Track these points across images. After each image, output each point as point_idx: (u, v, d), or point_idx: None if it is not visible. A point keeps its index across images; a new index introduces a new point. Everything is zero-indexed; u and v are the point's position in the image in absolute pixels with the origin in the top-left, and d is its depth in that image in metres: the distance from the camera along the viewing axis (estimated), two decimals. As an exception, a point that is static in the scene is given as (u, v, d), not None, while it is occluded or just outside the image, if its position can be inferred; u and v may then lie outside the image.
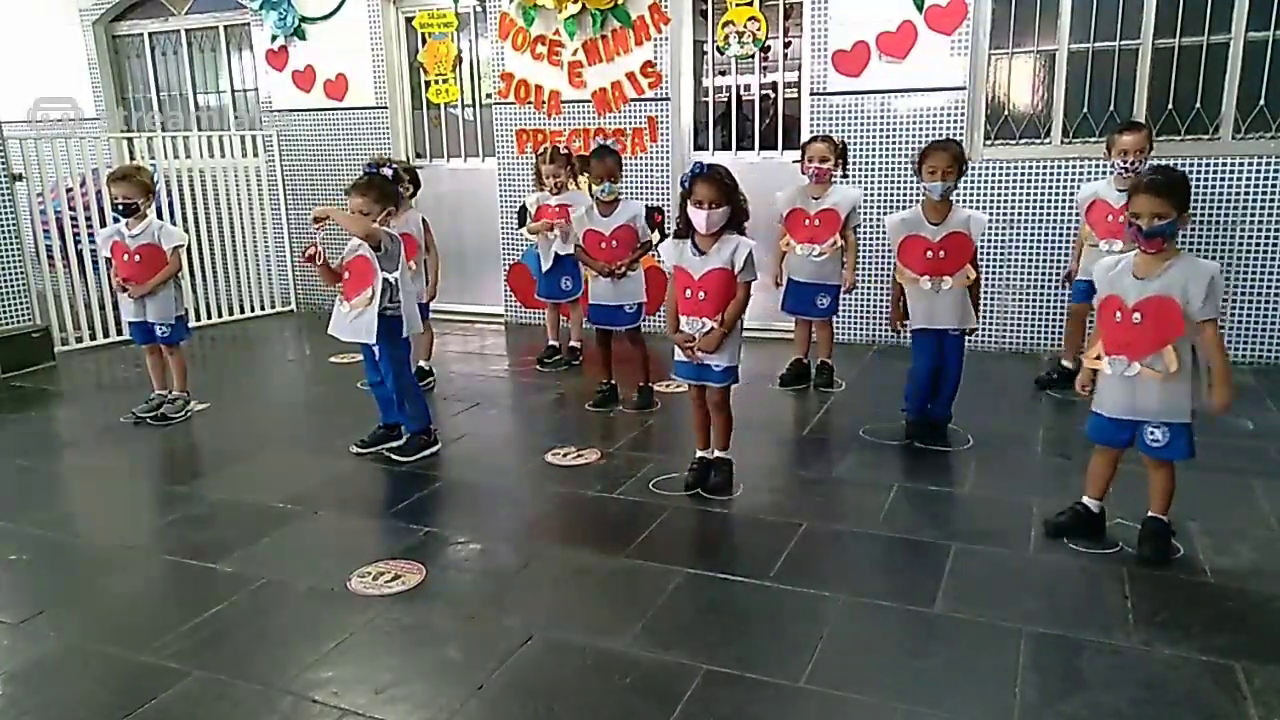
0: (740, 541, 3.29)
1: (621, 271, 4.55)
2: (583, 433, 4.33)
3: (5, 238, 5.82)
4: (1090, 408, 3.02)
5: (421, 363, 5.09)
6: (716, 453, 3.61)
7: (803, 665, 2.38)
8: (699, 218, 3.32)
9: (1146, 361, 2.79)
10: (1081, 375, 3.06)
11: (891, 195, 5.65)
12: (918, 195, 4.15)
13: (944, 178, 3.79)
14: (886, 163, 5.66)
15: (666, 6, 5.99)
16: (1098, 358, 2.92)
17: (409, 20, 6.98)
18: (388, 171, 4.03)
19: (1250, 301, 5.12)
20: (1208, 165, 5.09)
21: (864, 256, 5.74)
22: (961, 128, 5.47)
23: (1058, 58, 5.37)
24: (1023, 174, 5.44)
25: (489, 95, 6.83)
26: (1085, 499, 3.09)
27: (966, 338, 4.02)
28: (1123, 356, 2.83)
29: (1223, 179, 5.07)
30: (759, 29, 5.90)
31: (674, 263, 3.48)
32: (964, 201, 5.46)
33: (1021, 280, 5.55)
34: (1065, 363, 4.80)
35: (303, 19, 7.19)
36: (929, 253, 3.87)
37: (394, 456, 3.97)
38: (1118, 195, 4.43)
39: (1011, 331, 5.63)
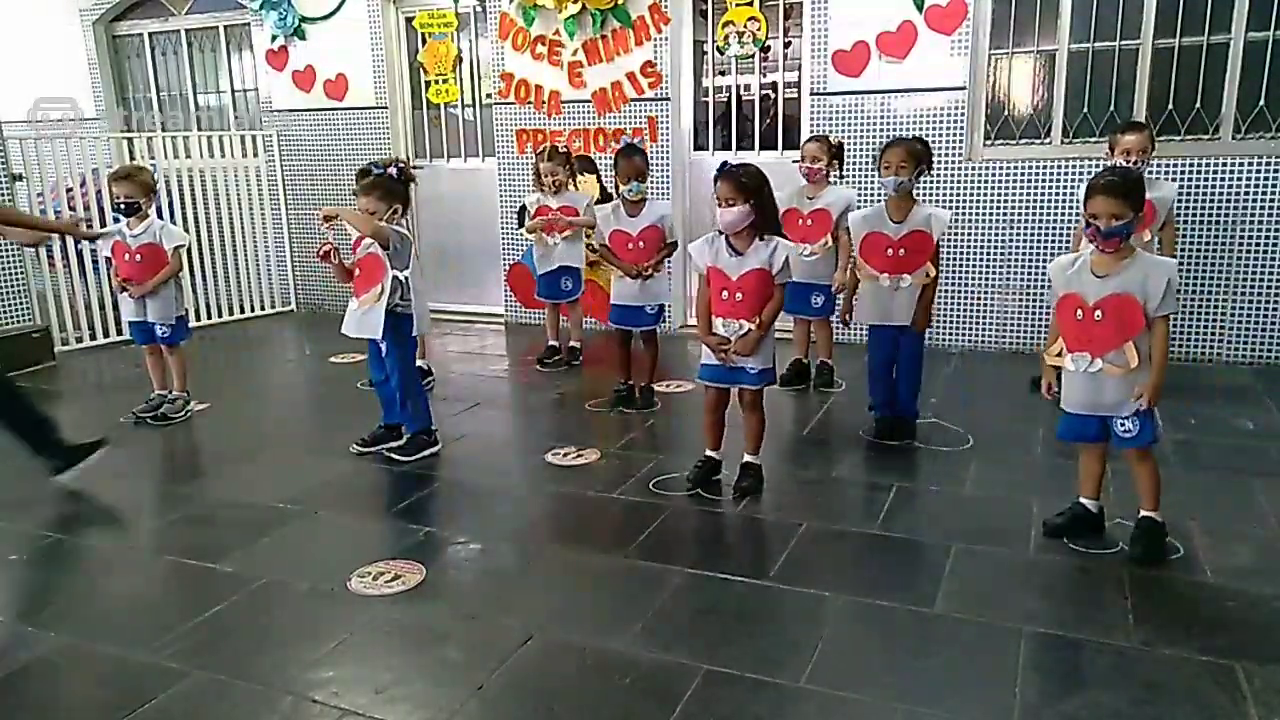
0: (740, 541, 3.30)
1: (649, 273, 4.53)
2: (583, 433, 4.33)
3: (5, 238, 5.82)
4: (1060, 407, 3.03)
5: (420, 362, 5.09)
6: (747, 456, 3.58)
7: (803, 665, 2.38)
8: (719, 215, 3.33)
9: (1109, 358, 2.83)
10: (1045, 375, 3.10)
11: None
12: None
13: (897, 172, 3.82)
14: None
15: (666, 6, 5.99)
16: (1059, 355, 2.96)
17: (409, 20, 6.99)
18: (393, 170, 4.02)
19: (1250, 301, 5.12)
20: (1208, 165, 5.09)
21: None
22: (961, 128, 5.47)
23: (1058, 58, 5.37)
24: (1023, 174, 5.44)
25: (489, 95, 6.83)
26: (1081, 499, 3.10)
27: (924, 335, 4.04)
28: (1085, 353, 2.86)
29: (1223, 179, 5.07)
30: (759, 29, 5.91)
31: (708, 263, 3.45)
32: (965, 201, 5.49)
33: (1021, 280, 5.55)
34: None
35: (303, 19, 7.19)
36: (889, 250, 3.91)
37: (394, 456, 3.97)
38: None
39: (1011, 331, 5.63)
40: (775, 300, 3.37)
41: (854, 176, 5.43)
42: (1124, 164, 4.37)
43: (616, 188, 4.66)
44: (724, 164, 3.36)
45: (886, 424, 4.10)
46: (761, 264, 3.33)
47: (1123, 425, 2.88)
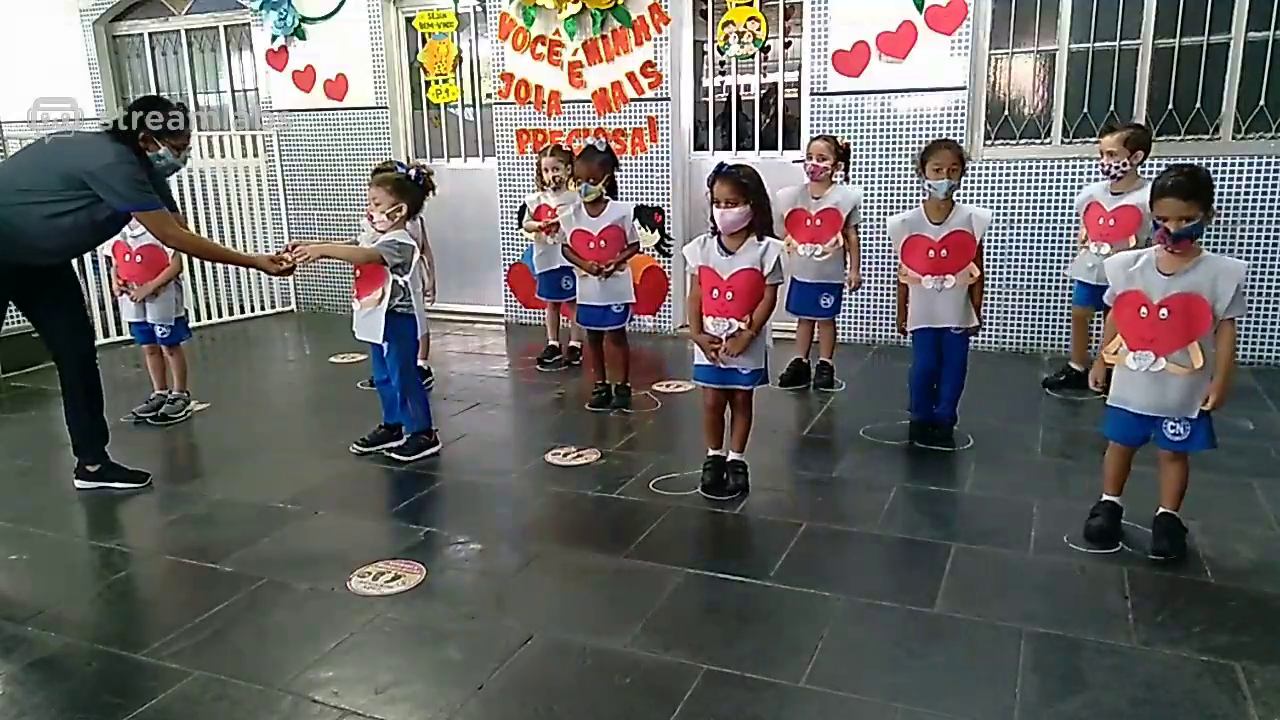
0: (740, 541, 3.30)
1: (610, 270, 4.54)
2: (583, 433, 4.33)
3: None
4: (1107, 404, 2.99)
5: (420, 362, 5.09)
6: (732, 455, 3.59)
7: (803, 665, 2.38)
8: (718, 217, 3.34)
9: (1173, 358, 2.78)
10: (1095, 370, 3.03)
11: (892, 195, 5.65)
12: (919, 195, 4.14)
13: (949, 175, 3.77)
14: (887, 163, 5.66)
15: (666, 6, 5.99)
16: (1115, 353, 2.90)
17: (409, 20, 6.99)
18: (411, 172, 3.99)
19: (1250, 301, 5.12)
20: (1208, 165, 5.05)
21: (865, 257, 5.74)
22: (961, 128, 5.47)
23: (1058, 58, 5.37)
24: (1023, 174, 5.44)
25: (489, 95, 6.83)
26: (1107, 497, 3.07)
27: (970, 337, 3.99)
28: (1149, 352, 2.81)
29: (1223, 179, 5.07)
30: (759, 29, 5.91)
31: (699, 263, 3.46)
32: (965, 202, 5.47)
33: (1021, 280, 5.55)
34: (1074, 365, 4.78)
35: (303, 19, 7.19)
36: (931, 252, 3.85)
37: (395, 456, 3.97)
38: (1111, 198, 4.44)
39: (1012, 331, 5.63)
40: (766, 300, 3.37)
41: (856, 177, 5.43)
42: (1106, 165, 4.38)
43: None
44: (721, 165, 3.38)
45: (920, 428, 4.05)
46: (752, 264, 3.34)
47: (1173, 428, 2.84)
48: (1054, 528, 3.12)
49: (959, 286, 3.85)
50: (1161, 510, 2.96)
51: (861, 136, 5.66)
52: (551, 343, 5.67)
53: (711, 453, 3.63)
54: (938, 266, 3.85)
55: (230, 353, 6.50)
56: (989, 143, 5.57)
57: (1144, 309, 2.82)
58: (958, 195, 3.89)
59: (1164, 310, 2.78)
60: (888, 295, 5.75)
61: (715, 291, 3.40)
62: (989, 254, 5.54)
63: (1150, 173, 4.80)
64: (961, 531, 3.16)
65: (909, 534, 3.18)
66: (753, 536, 3.29)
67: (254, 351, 6.67)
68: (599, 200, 4.56)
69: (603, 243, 4.55)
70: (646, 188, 6.27)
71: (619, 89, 6.24)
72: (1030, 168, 5.42)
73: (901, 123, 5.58)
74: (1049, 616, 2.61)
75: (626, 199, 4.97)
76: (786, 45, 6.05)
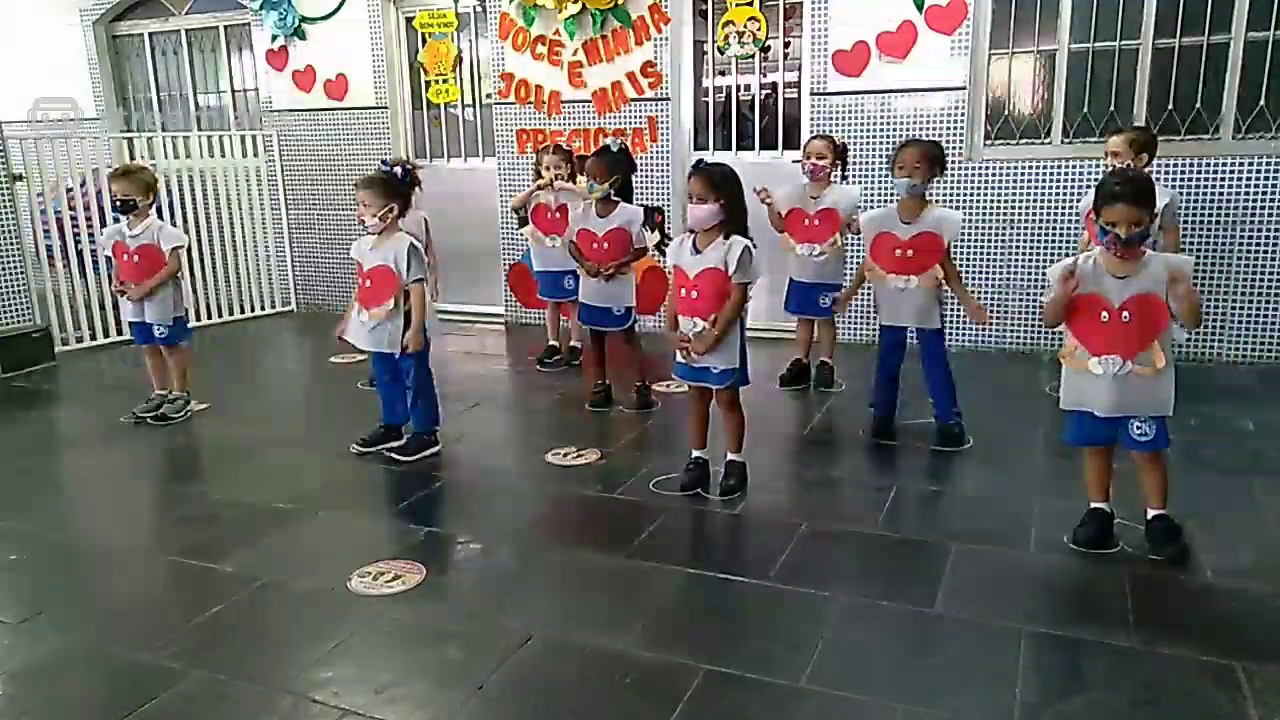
0: (740, 541, 3.30)
1: (609, 273, 4.53)
2: (583, 433, 4.33)
3: (5, 238, 5.82)
4: (1062, 409, 2.99)
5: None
6: (729, 455, 3.59)
7: (803, 665, 2.38)
8: (689, 212, 3.37)
9: (1139, 359, 2.79)
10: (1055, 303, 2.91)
11: (892, 195, 5.63)
12: (930, 197, 4.13)
13: (911, 174, 3.79)
14: (886, 163, 5.64)
15: (666, 6, 5.99)
16: (1070, 356, 2.91)
17: (409, 20, 6.99)
18: (398, 170, 3.99)
19: (1250, 301, 5.12)
20: (1208, 165, 5.08)
21: (863, 255, 5.73)
22: (961, 128, 5.47)
23: (1058, 58, 5.37)
24: (1023, 174, 5.43)
25: (489, 95, 6.83)
26: (1097, 504, 3.06)
27: (942, 336, 4.00)
28: (1115, 356, 2.82)
29: (1223, 179, 5.07)
30: (759, 29, 5.91)
31: (673, 261, 3.49)
32: (965, 202, 5.49)
33: (1022, 280, 5.54)
34: None
35: (303, 19, 7.19)
36: (898, 251, 3.89)
37: (395, 456, 3.97)
38: None
39: (1011, 331, 5.63)
40: (734, 300, 3.34)
41: (855, 177, 5.43)
42: (1111, 166, 4.37)
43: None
44: (699, 162, 3.40)
45: (882, 424, 4.10)
46: (717, 263, 3.33)
47: (1139, 428, 2.86)
48: (1054, 528, 3.12)
49: (922, 288, 3.88)
50: (1153, 514, 2.95)
51: (861, 136, 5.66)
52: (551, 343, 5.67)
53: (694, 454, 3.62)
54: (903, 266, 3.89)
55: (230, 353, 6.50)
56: (989, 143, 5.57)
57: (1105, 313, 2.82)
58: (933, 194, 3.87)
59: (1125, 313, 2.79)
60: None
61: (684, 290, 3.42)
62: (990, 253, 5.56)
63: (1155, 175, 4.82)
64: (961, 531, 3.16)
65: (909, 534, 3.18)
66: (753, 536, 3.29)
67: (254, 351, 6.67)
68: (608, 201, 4.55)
69: (606, 244, 4.54)
70: (646, 188, 6.26)
71: (619, 89, 6.24)
72: (1030, 168, 5.42)
73: (901, 123, 5.58)
74: (1049, 616, 2.61)
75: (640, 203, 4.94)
76: (786, 45, 6.05)
